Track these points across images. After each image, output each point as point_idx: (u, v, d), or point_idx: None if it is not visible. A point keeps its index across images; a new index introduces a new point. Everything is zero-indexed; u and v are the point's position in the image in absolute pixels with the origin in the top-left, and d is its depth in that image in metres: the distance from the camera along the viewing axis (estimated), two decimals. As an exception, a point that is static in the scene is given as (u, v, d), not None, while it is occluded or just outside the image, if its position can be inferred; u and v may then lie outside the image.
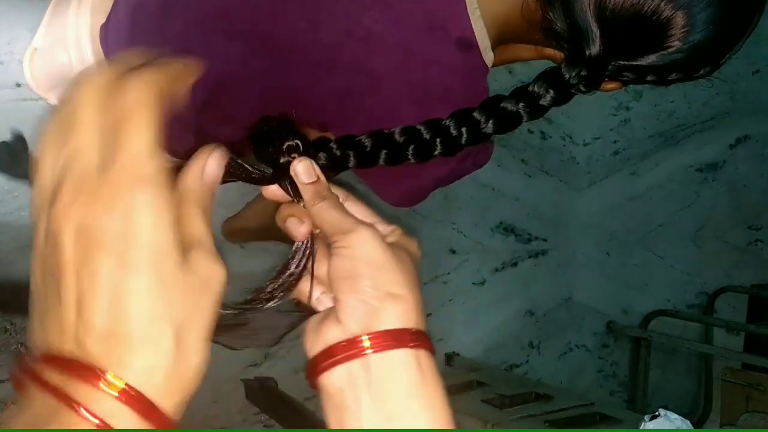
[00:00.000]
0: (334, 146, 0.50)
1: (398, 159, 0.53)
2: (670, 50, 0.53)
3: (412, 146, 0.52)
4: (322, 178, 0.44)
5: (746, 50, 0.56)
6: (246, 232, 0.99)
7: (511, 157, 2.27)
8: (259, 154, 0.44)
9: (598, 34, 0.52)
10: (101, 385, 0.30)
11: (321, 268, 0.43)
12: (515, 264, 2.33)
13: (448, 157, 0.55)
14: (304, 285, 0.43)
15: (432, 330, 0.40)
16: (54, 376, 0.30)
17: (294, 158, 0.44)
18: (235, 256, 1.71)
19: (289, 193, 0.43)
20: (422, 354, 0.39)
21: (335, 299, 0.40)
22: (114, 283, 0.30)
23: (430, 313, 2.05)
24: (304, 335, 0.41)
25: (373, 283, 0.38)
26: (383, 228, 0.43)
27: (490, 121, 0.53)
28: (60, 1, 0.86)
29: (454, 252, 2.18)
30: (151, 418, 0.30)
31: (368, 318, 0.38)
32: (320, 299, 0.43)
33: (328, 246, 0.42)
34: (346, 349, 0.38)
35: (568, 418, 1.71)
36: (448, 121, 0.53)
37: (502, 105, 0.53)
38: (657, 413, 1.16)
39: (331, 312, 0.40)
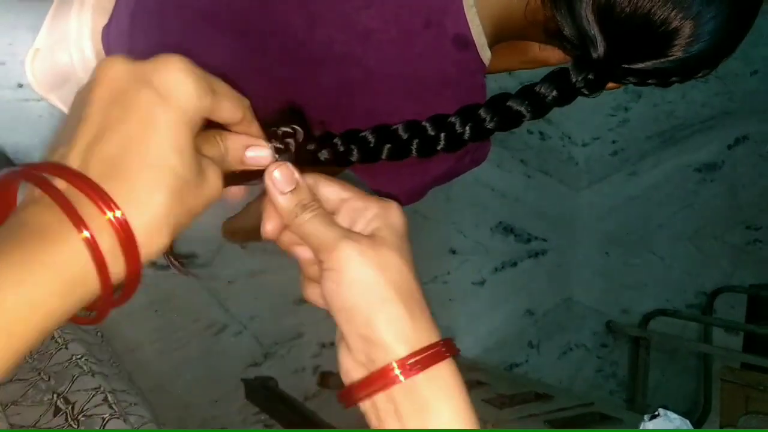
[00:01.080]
0: (338, 141, 0.51)
1: (402, 154, 0.53)
2: (670, 58, 0.53)
3: (417, 141, 0.53)
4: (303, 183, 0.41)
5: (744, 51, 0.57)
6: (246, 232, 0.99)
7: (510, 157, 2.27)
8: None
9: (603, 39, 0.52)
10: (100, 203, 0.30)
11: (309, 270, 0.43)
12: (515, 264, 2.33)
13: (448, 154, 0.55)
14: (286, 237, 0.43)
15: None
16: (59, 183, 0.31)
17: (289, 142, 0.43)
18: (235, 256, 1.71)
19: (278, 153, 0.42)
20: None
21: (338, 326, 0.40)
22: (133, 129, 0.32)
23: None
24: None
25: (365, 319, 0.38)
26: (359, 203, 0.42)
27: (495, 119, 0.53)
28: (62, 2, 0.87)
29: (454, 252, 2.18)
30: (127, 251, 0.31)
31: (371, 350, 0.39)
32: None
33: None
34: (368, 386, 0.39)
35: (567, 417, 1.71)
36: (454, 118, 0.53)
37: (508, 103, 0.53)
38: (656, 413, 1.16)
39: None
